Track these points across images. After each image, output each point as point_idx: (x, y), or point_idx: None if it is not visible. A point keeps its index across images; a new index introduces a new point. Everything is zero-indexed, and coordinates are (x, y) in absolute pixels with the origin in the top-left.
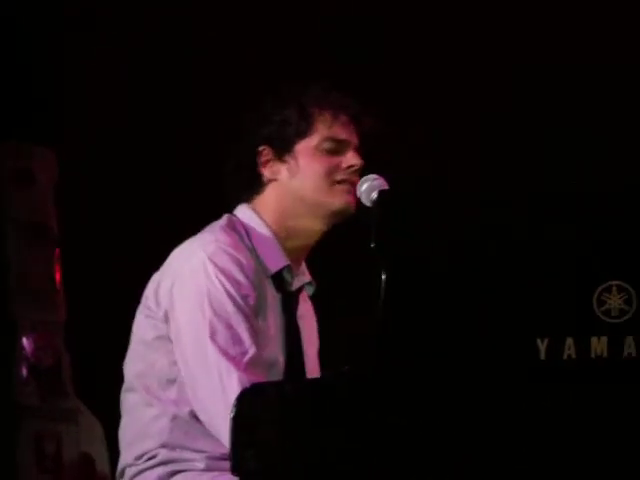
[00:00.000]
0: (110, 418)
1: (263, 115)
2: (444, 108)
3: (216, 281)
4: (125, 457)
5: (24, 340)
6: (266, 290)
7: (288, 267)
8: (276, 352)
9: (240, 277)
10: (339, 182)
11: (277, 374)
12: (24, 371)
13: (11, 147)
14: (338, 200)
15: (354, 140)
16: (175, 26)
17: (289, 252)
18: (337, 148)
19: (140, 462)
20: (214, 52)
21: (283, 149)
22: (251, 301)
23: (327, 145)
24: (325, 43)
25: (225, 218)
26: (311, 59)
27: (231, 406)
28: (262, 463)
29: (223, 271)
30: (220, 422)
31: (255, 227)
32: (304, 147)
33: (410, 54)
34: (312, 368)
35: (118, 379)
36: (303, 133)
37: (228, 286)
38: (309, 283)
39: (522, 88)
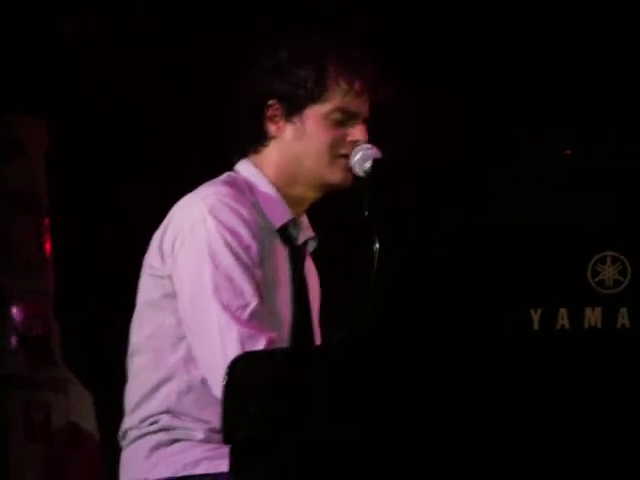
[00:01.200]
0: (99, 387)
1: (278, 68)
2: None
3: (216, 234)
4: (129, 420)
5: (13, 309)
6: (272, 244)
7: (293, 221)
8: (286, 303)
9: (241, 229)
10: (341, 156)
11: (285, 326)
12: (13, 340)
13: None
14: (336, 175)
15: (364, 112)
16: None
17: (293, 201)
18: (346, 119)
19: (143, 425)
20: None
21: (292, 109)
22: (253, 252)
23: (337, 116)
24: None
25: (226, 174)
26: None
27: (229, 360)
28: (252, 433)
29: (223, 223)
30: (218, 376)
31: (258, 182)
32: (314, 112)
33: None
34: (316, 323)
35: (108, 349)
36: (315, 98)
37: (229, 238)
38: (312, 238)
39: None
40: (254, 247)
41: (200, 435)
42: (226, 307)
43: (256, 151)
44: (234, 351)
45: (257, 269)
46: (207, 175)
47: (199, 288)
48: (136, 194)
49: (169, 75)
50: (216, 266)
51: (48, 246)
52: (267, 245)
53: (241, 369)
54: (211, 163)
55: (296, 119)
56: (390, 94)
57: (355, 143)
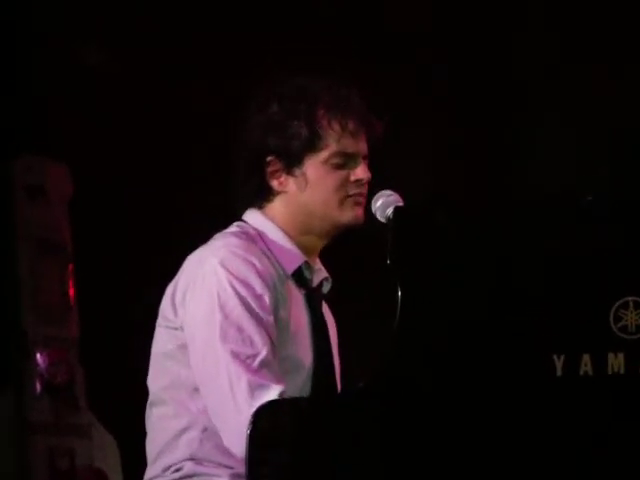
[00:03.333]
0: (124, 433)
1: (270, 123)
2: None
3: (227, 284)
4: (152, 469)
5: (38, 356)
6: (287, 290)
7: (306, 263)
8: (305, 347)
9: (252, 279)
10: (349, 196)
11: (306, 371)
12: (38, 387)
13: (24, 163)
14: (347, 214)
15: (363, 149)
16: (182, 36)
17: (305, 247)
18: (346, 161)
19: (167, 474)
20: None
21: (291, 163)
22: (265, 302)
23: (336, 160)
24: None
25: (235, 225)
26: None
27: (239, 410)
28: None
29: (234, 274)
30: (229, 426)
31: (267, 230)
32: (313, 161)
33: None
34: (337, 366)
35: (132, 394)
36: (312, 147)
37: (239, 288)
38: (326, 279)
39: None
40: (266, 296)
41: None
42: (236, 356)
43: (261, 206)
44: (244, 400)
45: (269, 318)
46: (230, 220)
47: (209, 338)
48: (161, 240)
49: (195, 117)
50: (226, 316)
51: (72, 292)
52: (281, 292)
53: (266, 418)
54: (234, 217)
55: (297, 171)
56: (385, 126)
57: (359, 182)
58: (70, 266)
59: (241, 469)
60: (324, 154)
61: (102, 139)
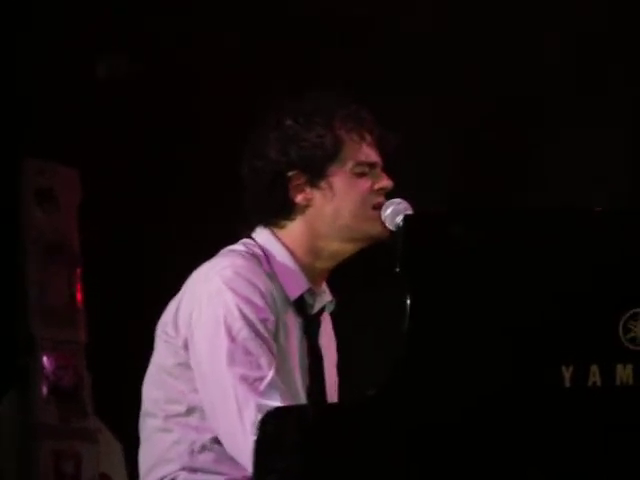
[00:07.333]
0: (130, 438)
1: (289, 137)
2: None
3: (233, 307)
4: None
5: (45, 359)
6: (287, 315)
7: (309, 290)
8: (298, 374)
9: (257, 301)
10: (374, 208)
11: (299, 397)
12: (44, 390)
13: (33, 166)
14: (376, 228)
15: (380, 161)
16: (193, 40)
17: (313, 272)
18: (368, 170)
19: None
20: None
21: (316, 175)
22: (270, 324)
23: (360, 169)
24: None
25: (242, 242)
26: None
27: (248, 433)
28: None
29: (240, 296)
30: (239, 449)
31: (275, 252)
32: (337, 172)
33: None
34: (332, 393)
35: (139, 400)
36: (335, 157)
37: (245, 311)
38: (330, 302)
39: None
40: (270, 319)
41: None
42: (243, 380)
43: (278, 224)
44: (253, 424)
45: (273, 341)
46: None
47: (216, 361)
48: (170, 245)
49: (207, 124)
50: (232, 339)
51: (80, 296)
52: (281, 317)
53: (272, 424)
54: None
55: (322, 183)
56: (396, 142)
57: (383, 190)
58: (78, 270)
59: (237, 475)
60: (349, 163)
61: (113, 144)
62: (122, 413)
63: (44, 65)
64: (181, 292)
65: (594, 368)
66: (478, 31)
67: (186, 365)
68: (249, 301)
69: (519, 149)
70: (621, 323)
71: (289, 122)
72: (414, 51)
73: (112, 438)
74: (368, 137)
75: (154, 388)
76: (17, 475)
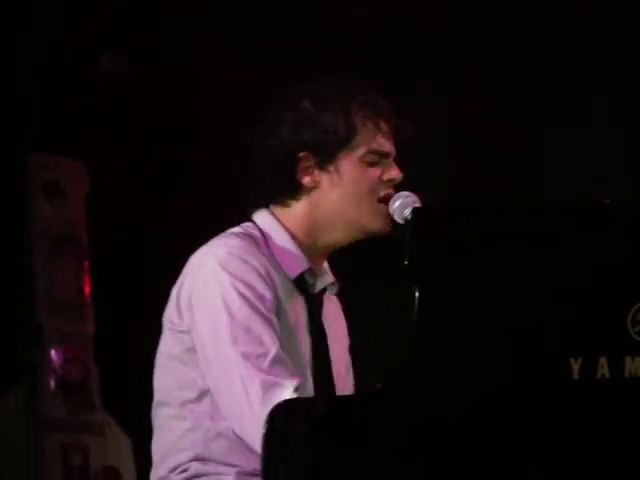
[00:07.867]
0: (138, 431)
1: (304, 118)
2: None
3: (229, 287)
4: (158, 471)
5: (52, 352)
6: (287, 293)
7: (309, 270)
8: (304, 351)
9: (252, 279)
10: (380, 200)
11: (307, 374)
12: (52, 383)
13: (40, 159)
14: (378, 223)
15: (393, 151)
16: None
17: (312, 252)
18: (379, 160)
19: (173, 475)
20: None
21: (326, 158)
22: (267, 301)
23: (370, 158)
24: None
25: (240, 226)
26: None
27: (255, 410)
28: None
29: (235, 275)
30: (247, 427)
31: (274, 232)
32: (347, 157)
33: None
34: (339, 369)
35: (147, 393)
36: (347, 143)
37: (242, 289)
38: (332, 284)
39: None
40: (268, 296)
41: (230, 479)
42: (246, 358)
43: (282, 203)
44: (259, 402)
45: (273, 317)
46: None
47: (218, 342)
48: (177, 237)
49: (212, 116)
50: (233, 318)
51: (87, 289)
52: (283, 295)
53: (281, 417)
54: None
55: (330, 167)
56: (412, 132)
57: (392, 181)
58: (86, 262)
59: (247, 467)
60: (360, 151)
61: (119, 136)
62: (130, 406)
63: (45, 65)
64: (180, 278)
65: (603, 360)
66: (478, 31)
67: (193, 349)
68: (245, 280)
69: (519, 149)
70: (629, 316)
71: (306, 104)
72: (414, 51)
73: (120, 431)
74: (384, 126)
75: (165, 376)
76: (25, 468)
